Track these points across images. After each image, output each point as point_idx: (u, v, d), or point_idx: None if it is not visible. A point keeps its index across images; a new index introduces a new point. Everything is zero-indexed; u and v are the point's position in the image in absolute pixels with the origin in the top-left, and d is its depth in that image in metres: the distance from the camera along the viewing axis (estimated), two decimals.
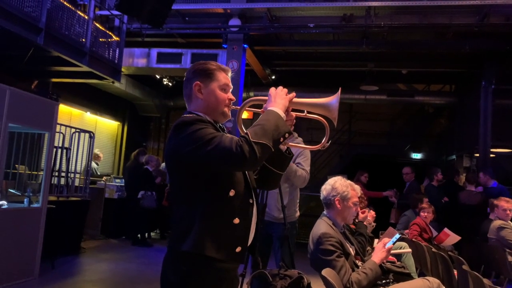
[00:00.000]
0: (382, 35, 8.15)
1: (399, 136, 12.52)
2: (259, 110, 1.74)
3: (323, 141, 1.77)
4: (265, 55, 9.20)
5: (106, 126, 11.21)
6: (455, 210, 6.73)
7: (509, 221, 5.04)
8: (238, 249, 1.65)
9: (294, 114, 1.76)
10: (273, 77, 10.18)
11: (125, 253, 6.70)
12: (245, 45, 7.78)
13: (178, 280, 1.61)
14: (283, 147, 1.79)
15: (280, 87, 1.72)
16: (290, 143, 1.81)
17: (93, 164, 9.22)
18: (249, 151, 1.48)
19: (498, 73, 8.10)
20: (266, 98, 1.72)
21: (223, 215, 1.63)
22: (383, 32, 7.76)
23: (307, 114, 1.75)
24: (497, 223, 5.01)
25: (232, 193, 1.65)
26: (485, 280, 2.86)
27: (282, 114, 1.63)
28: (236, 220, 1.64)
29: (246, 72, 8.36)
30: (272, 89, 1.71)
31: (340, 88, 1.71)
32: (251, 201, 1.73)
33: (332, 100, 1.68)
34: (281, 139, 1.59)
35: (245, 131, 1.56)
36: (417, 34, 8.40)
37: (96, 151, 9.28)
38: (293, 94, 1.71)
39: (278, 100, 1.67)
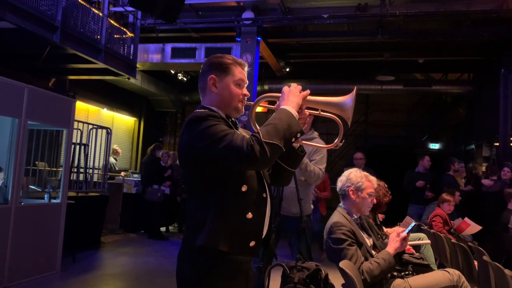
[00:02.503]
0: (397, 24, 8.03)
1: (416, 127, 12.35)
2: (273, 106, 1.72)
3: (336, 141, 1.74)
4: (279, 47, 9.15)
5: (123, 122, 11.33)
6: (474, 199, 6.63)
7: None
8: (252, 243, 1.65)
9: (307, 112, 1.73)
10: (288, 69, 10.13)
11: (144, 247, 6.79)
12: (258, 38, 7.75)
13: (193, 274, 1.62)
14: (295, 145, 1.77)
15: (294, 84, 1.69)
16: (303, 141, 1.78)
17: (112, 160, 9.35)
18: (260, 151, 1.47)
19: None
20: (279, 94, 1.69)
21: (236, 210, 1.63)
22: (398, 21, 7.64)
23: (321, 113, 1.72)
24: None
25: (244, 188, 1.64)
26: (507, 271, 2.81)
27: (295, 113, 1.60)
28: (250, 215, 1.64)
29: (260, 65, 8.34)
30: (286, 87, 1.68)
31: (355, 88, 1.66)
32: (264, 196, 1.72)
33: (347, 100, 1.64)
34: (293, 139, 1.57)
35: (257, 130, 1.54)
36: (434, 23, 8.25)
37: (114, 146, 9.41)
38: (307, 91, 1.68)
39: (292, 98, 1.64)
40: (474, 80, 10.80)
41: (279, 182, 1.93)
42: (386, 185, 3.97)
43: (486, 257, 3.33)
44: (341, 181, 2.97)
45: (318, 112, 1.72)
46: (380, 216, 4.46)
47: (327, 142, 1.84)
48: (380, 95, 11.70)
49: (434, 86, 10.39)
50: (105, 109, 10.32)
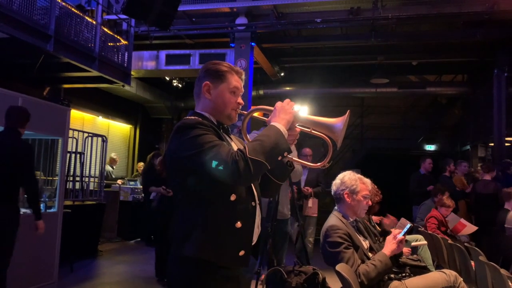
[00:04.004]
0: (390, 27, 8.08)
1: (412, 129, 12.39)
2: (265, 119, 1.71)
3: (324, 160, 1.75)
4: (273, 52, 9.18)
5: (119, 130, 11.31)
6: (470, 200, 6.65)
7: None
8: (242, 252, 1.63)
9: (298, 129, 1.72)
10: (282, 74, 10.16)
11: (142, 255, 6.76)
12: (252, 43, 7.78)
13: (183, 283, 1.61)
14: (284, 160, 1.74)
15: (287, 100, 1.68)
16: (291, 158, 1.78)
17: (109, 168, 9.33)
18: (243, 167, 1.46)
19: (511, 60, 7.97)
20: (272, 108, 1.68)
21: (224, 220, 1.61)
22: (391, 24, 7.68)
23: (312, 131, 1.71)
24: None
25: (233, 197, 1.62)
26: (503, 271, 2.82)
27: (284, 131, 1.59)
28: (239, 224, 1.62)
29: (255, 70, 8.37)
30: (279, 103, 1.67)
31: (348, 112, 1.65)
32: (253, 204, 1.70)
33: (338, 123, 1.64)
34: (279, 157, 1.56)
35: (244, 145, 1.53)
36: (426, 25, 8.30)
37: (112, 155, 9.40)
38: (300, 109, 1.68)
39: (282, 115, 1.63)
40: (468, 81, 10.86)
41: (265, 193, 1.92)
42: (375, 185, 4.00)
43: (482, 258, 3.34)
44: (335, 184, 2.97)
45: (309, 130, 1.71)
46: (376, 219, 4.48)
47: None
48: (375, 98, 11.75)
49: (429, 88, 10.44)
50: (100, 117, 10.30)
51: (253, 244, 1.73)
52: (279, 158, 1.56)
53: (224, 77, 1.74)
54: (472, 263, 3.65)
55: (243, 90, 1.80)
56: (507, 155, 7.72)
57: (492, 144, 8.47)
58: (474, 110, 10.08)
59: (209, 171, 1.52)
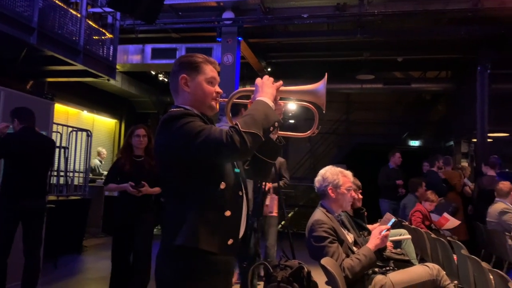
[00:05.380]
0: (376, 24, 8.12)
1: (397, 124, 12.53)
2: (248, 101, 1.74)
3: (312, 128, 1.78)
4: (260, 47, 9.16)
5: (104, 124, 11.20)
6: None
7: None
8: (230, 241, 1.66)
9: (282, 102, 1.76)
10: (269, 69, 10.15)
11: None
12: (239, 38, 7.74)
13: (173, 275, 1.62)
14: (273, 136, 1.79)
15: (266, 76, 1.71)
16: (280, 132, 1.80)
17: (97, 162, 9.25)
18: (239, 141, 1.48)
19: (494, 57, 8.08)
20: (253, 88, 1.70)
21: (215, 208, 1.64)
22: (377, 20, 7.73)
23: (296, 102, 1.75)
24: (499, 206, 4.99)
25: (222, 185, 1.65)
26: (484, 264, 2.88)
27: (271, 103, 1.62)
28: (228, 213, 1.65)
29: (242, 65, 8.34)
30: (258, 79, 1.70)
31: (326, 74, 1.70)
32: (240, 193, 1.73)
33: (319, 86, 1.68)
34: (271, 128, 1.58)
35: (235, 122, 1.56)
36: (412, 21, 8.36)
37: (99, 148, 9.32)
38: (280, 82, 1.71)
39: (266, 89, 1.66)
40: (452, 77, 10.99)
41: (259, 175, 1.95)
42: (356, 179, 4.05)
43: (464, 251, 3.40)
44: (318, 181, 3.01)
45: (293, 101, 1.75)
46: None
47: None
48: (361, 94, 11.83)
49: (413, 84, 10.53)
50: (85, 111, 10.18)
51: (241, 234, 1.75)
52: (271, 129, 1.59)
53: (200, 68, 1.75)
54: (455, 256, 3.72)
55: (219, 79, 1.81)
56: (489, 151, 7.86)
57: (475, 140, 8.60)
58: (457, 107, 10.21)
59: (206, 153, 1.54)
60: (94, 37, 7.28)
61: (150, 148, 3.88)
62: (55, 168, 6.39)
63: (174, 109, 1.71)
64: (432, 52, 9.32)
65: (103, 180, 8.22)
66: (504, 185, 5.09)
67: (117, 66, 8.09)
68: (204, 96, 1.75)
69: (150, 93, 11.48)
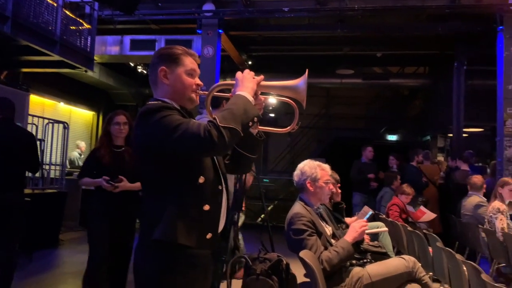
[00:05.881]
0: (356, 19, 8.18)
1: (375, 119, 12.69)
2: (228, 95, 1.73)
3: (292, 124, 1.78)
4: (241, 40, 9.12)
5: (81, 116, 11.01)
6: (445, 190, 6.90)
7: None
8: (209, 235, 1.65)
9: (263, 97, 1.75)
10: (250, 62, 10.13)
11: None
12: (220, 30, 7.69)
13: (151, 269, 1.60)
14: (253, 131, 1.79)
15: (247, 70, 1.70)
16: (260, 126, 1.80)
17: (76, 154, 9.10)
18: (217, 135, 1.47)
19: (470, 54, 8.25)
20: (234, 82, 1.69)
21: (193, 202, 1.63)
22: (357, 15, 7.78)
23: (276, 97, 1.75)
24: (474, 200, 5.09)
25: (201, 180, 1.64)
26: (458, 256, 2.95)
27: (251, 98, 1.61)
28: (206, 207, 1.64)
29: (222, 58, 8.29)
30: (239, 73, 1.69)
31: (307, 70, 1.71)
32: (220, 188, 1.73)
33: (300, 82, 1.68)
34: (250, 123, 1.58)
35: (213, 116, 1.54)
36: (391, 17, 8.45)
37: (78, 141, 9.16)
38: (261, 77, 1.70)
39: (246, 83, 1.65)
40: (429, 73, 11.17)
41: (239, 170, 1.95)
42: (335, 172, 4.10)
43: (439, 244, 3.48)
44: (296, 175, 3.05)
45: (273, 96, 1.74)
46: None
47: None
48: (340, 89, 11.92)
49: (392, 80, 10.67)
50: (61, 103, 9.99)
51: (221, 228, 1.74)
52: (250, 124, 1.58)
53: (180, 60, 1.73)
54: (430, 249, 3.80)
55: (199, 71, 1.79)
56: (464, 146, 8.04)
57: (451, 135, 8.78)
58: (434, 102, 10.40)
59: (183, 147, 1.53)
60: (71, 27, 7.12)
61: (131, 138, 3.42)
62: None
63: (152, 102, 1.69)
64: (410, 48, 9.44)
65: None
66: (477, 178, 5.21)
67: (95, 57, 7.94)
68: (184, 89, 1.73)
69: (129, 85, 11.33)
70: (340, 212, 3.95)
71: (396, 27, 8.42)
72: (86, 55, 7.41)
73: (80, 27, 7.37)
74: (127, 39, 8.64)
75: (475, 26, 7.43)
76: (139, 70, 10.70)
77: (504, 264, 4.21)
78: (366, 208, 3.76)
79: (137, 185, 3.31)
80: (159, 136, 1.55)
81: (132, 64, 10.48)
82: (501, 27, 6.61)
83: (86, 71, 7.62)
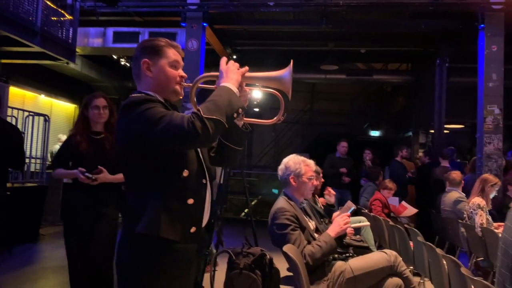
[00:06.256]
0: (341, 14, 8.20)
1: (358, 115, 12.80)
2: (213, 86, 1.72)
3: (278, 115, 1.78)
4: (225, 34, 9.07)
5: (62, 109, 10.84)
6: (424, 185, 7.00)
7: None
8: (193, 229, 1.65)
9: (248, 89, 1.75)
10: (234, 56, 10.08)
11: None
12: (204, 24, 7.62)
13: (134, 264, 1.59)
14: (239, 122, 1.78)
15: (231, 62, 1.68)
16: (246, 118, 1.79)
17: (57, 147, 8.94)
18: (201, 127, 1.46)
19: (452, 52, 8.36)
20: (218, 74, 1.68)
21: (177, 196, 1.62)
22: (342, 11, 7.80)
23: (262, 89, 1.74)
24: (453, 196, 5.18)
25: (185, 173, 1.63)
26: (438, 250, 3.00)
27: (235, 90, 1.60)
28: (190, 201, 1.64)
29: (207, 51, 8.23)
30: (223, 64, 1.68)
31: (292, 61, 1.70)
32: (204, 181, 1.72)
33: (284, 73, 1.67)
34: (235, 115, 1.57)
35: (198, 108, 1.53)
36: (375, 14, 8.50)
37: (60, 135, 9.01)
38: (246, 68, 1.69)
39: (231, 75, 1.64)
40: (412, 70, 11.29)
41: (225, 162, 1.94)
42: (318, 167, 4.15)
43: (420, 238, 3.54)
44: (281, 169, 3.06)
45: (258, 88, 1.74)
46: (322, 201, 4.61)
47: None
48: (325, 84, 11.99)
49: (375, 76, 10.76)
50: (42, 96, 9.82)
51: (205, 223, 1.74)
52: (235, 116, 1.57)
53: (163, 52, 1.71)
54: (411, 243, 3.86)
55: (183, 63, 1.78)
56: (445, 142, 8.17)
57: (433, 131, 8.90)
58: (417, 98, 10.52)
59: (167, 139, 1.51)
60: (53, 18, 6.97)
61: (112, 123, 3.13)
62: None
63: (135, 95, 1.67)
64: (393, 45, 9.52)
65: None
66: (456, 174, 5.30)
67: (77, 49, 7.80)
68: (168, 81, 1.72)
69: (112, 78, 11.18)
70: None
71: (380, 24, 8.47)
72: (68, 47, 7.27)
73: (62, 18, 7.22)
74: (110, 31, 8.52)
75: (458, 24, 7.52)
76: (122, 63, 10.56)
77: (482, 258, 4.30)
78: (349, 203, 3.78)
79: (120, 176, 3.04)
80: (142, 129, 1.54)
81: (115, 57, 10.34)
82: (482, 25, 6.71)
83: (67, 63, 7.49)
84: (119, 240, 1.68)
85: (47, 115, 7.11)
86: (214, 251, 3.96)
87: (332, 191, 4.60)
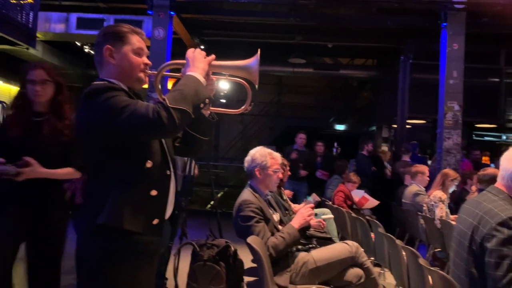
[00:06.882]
0: (309, 8, 8.25)
1: (325, 109, 12.96)
2: (178, 74, 1.69)
3: (245, 104, 1.77)
4: (193, 23, 8.95)
5: None
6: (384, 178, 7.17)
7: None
8: (155, 221, 1.62)
9: (215, 78, 1.73)
10: (202, 46, 9.97)
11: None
12: (171, 12, 7.49)
13: (94, 255, 1.56)
14: (206, 112, 1.76)
15: (198, 50, 1.66)
16: (212, 108, 1.77)
17: None
18: (167, 117, 1.43)
19: (416, 49, 8.56)
20: (184, 61, 1.65)
21: (140, 187, 1.59)
22: (310, 4, 7.84)
23: (228, 77, 1.73)
24: (413, 189, 5.34)
25: (149, 164, 1.60)
26: (398, 241, 3.08)
27: (202, 79, 1.58)
28: (154, 192, 1.61)
29: (174, 41, 8.10)
30: (190, 52, 1.65)
31: (259, 50, 1.69)
32: (168, 173, 1.69)
33: (252, 61, 1.66)
34: (202, 105, 1.55)
35: (163, 97, 1.50)
36: (343, 8, 8.59)
37: None
38: (212, 56, 1.67)
39: (197, 64, 1.61)
40: (377, 66, 11.51)
41: (191, 152, 1.92)
42: (285, 160, 4.19)
43: (381, 229, 3.63)
44: (247, 161, 3.07)
45: (225, 77, 1.72)
46: (288, 193, 4.65)
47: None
48: (293, 77, 12.05)
49: (342, 70, 10.89)
50: (0, 82, 9.42)
51: (169, 215, 1.72)
52: (202, 106, 1.55)
53: (126, 38, 1.67)
54: (372, 234, 3.95)
55: (147, 51, 1.74)
56: (407, 137, 8.40)
57: (395, 126, 9.12)
58: (381, 94, 10.74)
59: (131, 129, 1.48)
60: (12, 1, 6.67)
61: (59, 102, 2.47)
62: None
63: (98, 82, 1.63)
64: (360, 40, 9.66)
65: None
66: (415, 168, 5.47)
67: (38, 35, 7.50)
68: (131, 68, 1.67)
69: (75, 66, 10.85)
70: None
71: (347, 19, 8.57)
72: (28, 32, 6.97)
73: (22, 1, 6.92)
74: (74, 16, 8.22)
75: (422, 22, 7.69)
76: (86, 50, 10.25)
77: (439, 249, 4.45)
78: (314, 196, 3.84)
79: (64, 172, 2.39)
80: (105, 118, 1.50)
81: (78, 44, 10.02)
82: (445, 23, 6.89)
83: (27, 48, 7.18)
84: (79, 231, 1.63)
85: (4, 102, 6.82)
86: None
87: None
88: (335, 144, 7.49)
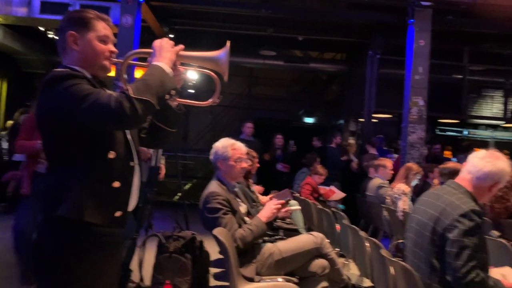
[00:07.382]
0: (280, 0, 8.25)
1: (294, 102, 13.04)
2: (145, 63, 1.65)
3: (213, 97, 1.74)
4: (162, 11, 8.79)
5: None
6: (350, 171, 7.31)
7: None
8: (118, 213, 1.59)
9: (182, 68, 1.70)
10: (171, 35, 9.82)
11: (3, 222, 6.18)
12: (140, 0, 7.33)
13: (55, 245, 1.51)
14: (173, 104, 1.72)
15: (166, 39, 1.62)
16: (179, 99, 1.74)
17: None
18: (130, 107, 1.40)
19: (384, 44, 8.71)
20: (151, 50, 1.61)
21: (102, 179, 1.55)
22: None
23: (197, 69, 1.70)
24: (376, 182, 5.46)
25: (111, 155, 1.56)
26: (362, 233, 3.15)
27: (168, 69, 1.55)
28: (116, 184, 1.57)
29: (143, 29, 7.93)
30: (157, 42, 1.61)
31: (228, 42, 1.67)
32: (132, 164, 1.66)
33: (221, 53, 1.63)
34: (167, 96, 1.53)
35: (127, 87, 1.47)
36: (314, 2, 8.64)
37: None
38: (181, 46, 1.63)
39: (164, 54, 1.58)
40: (346, 60, 11.65)
41: (157, 144, 1.89)
42: (252, 151, 4.19)
43: (345, 221, 3.70)
44: (211, 153, 3.10)
45: (193, 68, 1.69)
46: (258, 189, 4.66)
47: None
48: (263, 69, 12.04)
49: (312, 64, 10.98)
50: None
51: (133, 207, 1.69)
52: (167, 97, 1.52)
53: (91, 25, 1.61)
54: (337, 226, 4.03)
55: (114, 38, 1.69)
56: (373, 131, 8.57)
57: (362, 120, 9.29)
58: (349, 88, 10.90)
59: (92, 119, 1.44)
60: None
61: None
62: None
63: (59, 69, 1.57)
64: (330, 34, 9.74)
65: None
66: (379, 161, 5.61)
67: None
68: (96, 56, 1.62)
69: (38, 51, 10.47)
70: None
71: (318, 12, 8.63)
72: None
73: None
74: (37, 0, 7.92)
75: (390, 18, 7.83)
76: (50, 36, 9.89)
77: (402, 241, 4.58)
78: (286, 191, 3.83)
79: None
80: (65, 107, 1.45)
81: (42, 29, 9.65)
82: (412, 20, 7.04)
83: None
84: (39, 221, 1.58)
85: None
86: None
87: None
88: (291, 142, 7.47)
